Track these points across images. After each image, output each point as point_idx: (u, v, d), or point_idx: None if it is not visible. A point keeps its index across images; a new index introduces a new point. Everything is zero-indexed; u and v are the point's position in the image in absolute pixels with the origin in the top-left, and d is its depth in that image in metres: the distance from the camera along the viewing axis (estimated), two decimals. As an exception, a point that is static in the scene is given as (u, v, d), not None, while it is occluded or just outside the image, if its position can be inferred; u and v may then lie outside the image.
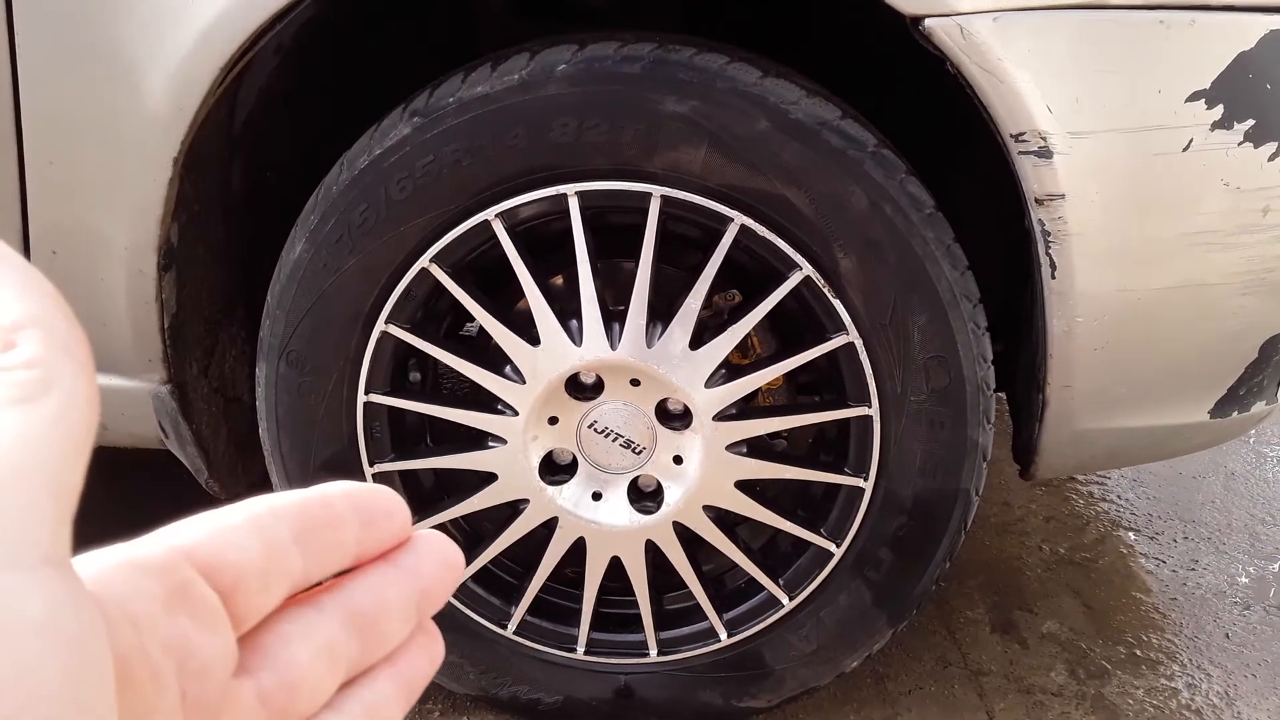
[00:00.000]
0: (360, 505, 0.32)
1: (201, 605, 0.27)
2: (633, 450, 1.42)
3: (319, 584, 0.32)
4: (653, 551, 1.47)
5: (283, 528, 0.29)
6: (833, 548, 1.44)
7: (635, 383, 1.38)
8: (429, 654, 0.35)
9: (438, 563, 0.34)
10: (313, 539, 0.30)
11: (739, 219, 1.28)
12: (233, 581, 0.28)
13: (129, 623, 0.24)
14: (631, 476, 1.44)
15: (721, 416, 1.37)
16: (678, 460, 1.42)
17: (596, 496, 1.45)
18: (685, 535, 1.46)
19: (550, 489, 1.44)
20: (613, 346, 1.34)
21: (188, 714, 0.26)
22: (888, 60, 1.51)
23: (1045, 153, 1.18)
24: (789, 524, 1.44)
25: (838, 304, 1.31)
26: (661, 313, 1.35)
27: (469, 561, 1.50)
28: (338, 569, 0.32)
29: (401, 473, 1.48)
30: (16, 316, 0.24)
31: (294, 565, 0.30)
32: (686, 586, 1.49)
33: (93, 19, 1.27)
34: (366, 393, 1.40)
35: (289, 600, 0.31)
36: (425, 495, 1.54)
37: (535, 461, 1.42)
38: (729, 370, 1.38)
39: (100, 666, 0.22)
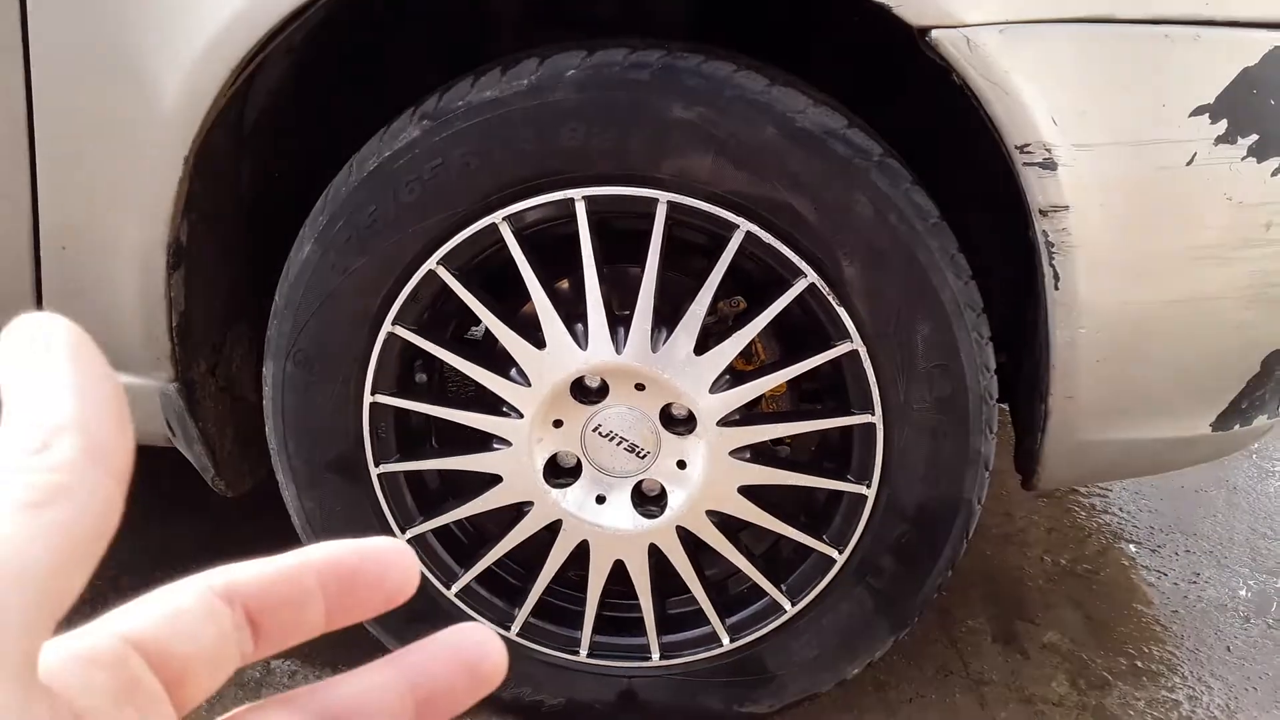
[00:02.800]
0: (343, 572, 0.31)
1: (148, 698, 0.27)
2: (637, 454, 1.42)
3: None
4: (656, 555, 1.47)
5: (234, 611, 0.29)
6: (835, 554, 1.45)
7: (640, 387, 1.38)
8: None
9: (454, 664, 0.33)
10: (270, 617, 0.30)
11: (745, 226, 1.29)
12: (179, 671, 0.28)
13: (75, 718, 0.25)
14: (635, 480, 1.45)
15: (725, 422, 1.38)
16: (681, 465, 1.42)
17: (600, 500, 1.45)
18: (688, 540, 1.46)
19: (554, 492, 1.44)
20: (618, 351, 1.34)
21: None
22: (894, 70, 1.51)
23: (1050, 164, 1.19)
24: (792, 530, 1.45)
25: (842, 312, 1.31)
26: (667, 318, 1.36)
27: (473, 563, 1.51)
28: (297, 643, 0.31)
29: (406, 473, 1.49)
30: (61, 418, 0.24)
31: (243, 650, 0.30)
32: (689, 591, 1.50)
33: (106, 18, 1.28)
34: (373, 393, 1.41)
35: (270, 705, 0.31)
36: (430, 496, 1.55)
37: (540, 464, 1.43)
38: (733, 376, 1.38)
39: None
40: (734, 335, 1.34)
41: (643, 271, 1.32)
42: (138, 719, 0.27)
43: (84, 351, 0.26)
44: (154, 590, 0.29)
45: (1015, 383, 1.56)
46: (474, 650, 0.33)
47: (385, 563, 0.32)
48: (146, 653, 0.28)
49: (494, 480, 1.46)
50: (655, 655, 1.53)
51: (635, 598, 1.50)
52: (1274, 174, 1.20)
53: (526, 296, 1.35)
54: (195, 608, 0.29)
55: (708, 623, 1.51)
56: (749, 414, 1.43)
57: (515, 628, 1.53)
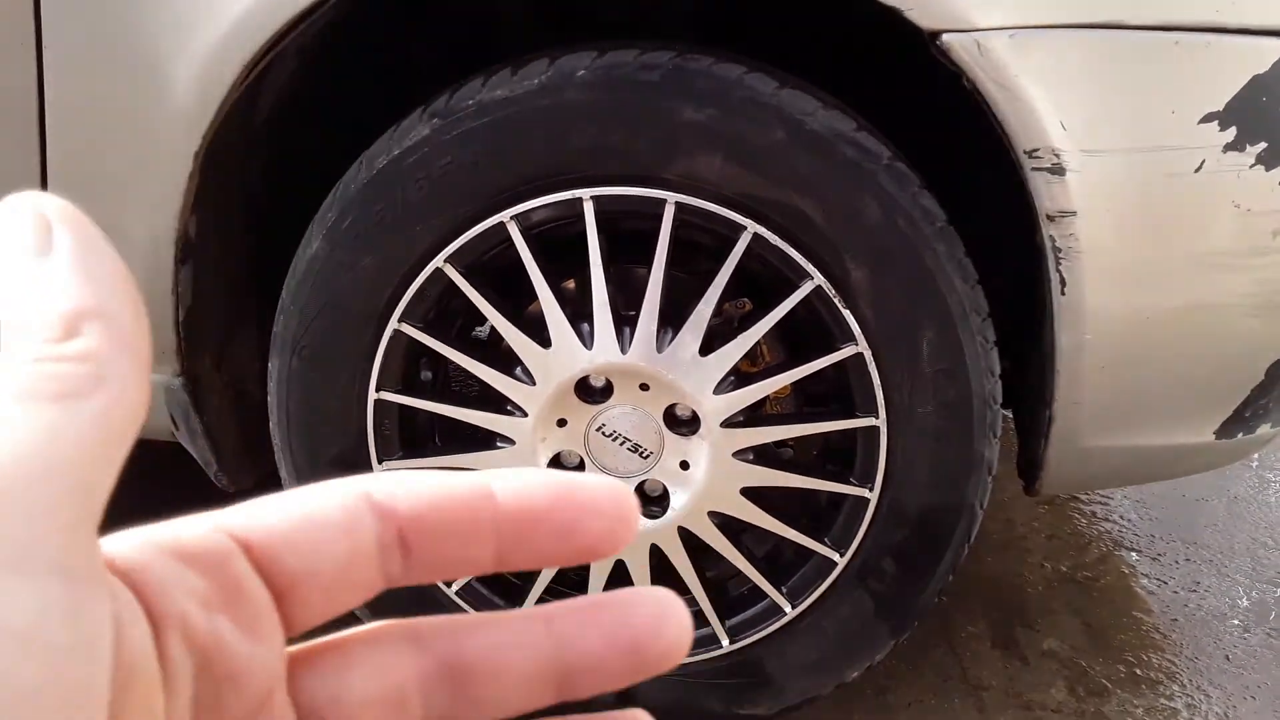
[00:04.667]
0: (526, 514, 0.27)
1: (248, 607, 0.25)
2: (640, 455, 1.42)
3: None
4: (657, 556, 1.47)
5: (384, 529, 0.26)
6: (836, 557, 1.45)
7: (644, 387, 1.38)
8: None
9: (618, 641, 0.27)
10: (428, 544, 0.27)
11: (752, 227, 1.29)
12: (289, 584, 0.25)
13: (148, 622, 0.23)
14: (638, 480, 1.45)
15: (729, 423, 1.38)
16: (684, 466, 1.43)
17: (603, 500, 1.45)
18: (690, 541, 1.46)
19: (557, 491, 1.44)
20: (623, 351, 1.35)
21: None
22: (903, 74, 1.51)
23: (1058, 169, 1.19)
24: (793, 532, 1.45)
25: (848, 314, 1.32)
26: (672, 319, 1.36)
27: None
28: (458, 578, 0.27)
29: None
30: (84, 304, 0.23)
31: (388, 572, 0.26)
32: (689, 592, 1.50)
33: (119, 14, 1.28)
34: (378, 390, 1.41)
35: (392, 634, 0.28)
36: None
37: (543, 463, 1.43)
38: (738, 378, 1.39)
39: (90, 677, 0.21)
40: (739, 337, 1.34)
41: (649, 272, 1.32)
42: (231, 631, 0.24)
43: (89, 233, 0.24)
44: (295, 490, 0.26)
45: (1019, 389, 1.56)
46: (643, 626, 0.27)
47: (584, 509, 0.27)
48: (256, 557, 0.25)
49: (497, 479, 1.45)
50: (656, 656, 1.53)
51: (636, 598, 1.50)
52: (1282, 182, 1.21)
53: (533, 295, 1.35)
54: (334, 518, 0.26)
55: (708, 624, 1.51)
56: (753, 415, 1.43)
57: (516, 627, 1.53)
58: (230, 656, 0.24)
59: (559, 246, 1.40)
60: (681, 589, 1.50)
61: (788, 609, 1.48)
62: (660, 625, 0.27)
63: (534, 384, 1.38)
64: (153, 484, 2.19)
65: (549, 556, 0.27)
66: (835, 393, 1.46)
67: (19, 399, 0.22)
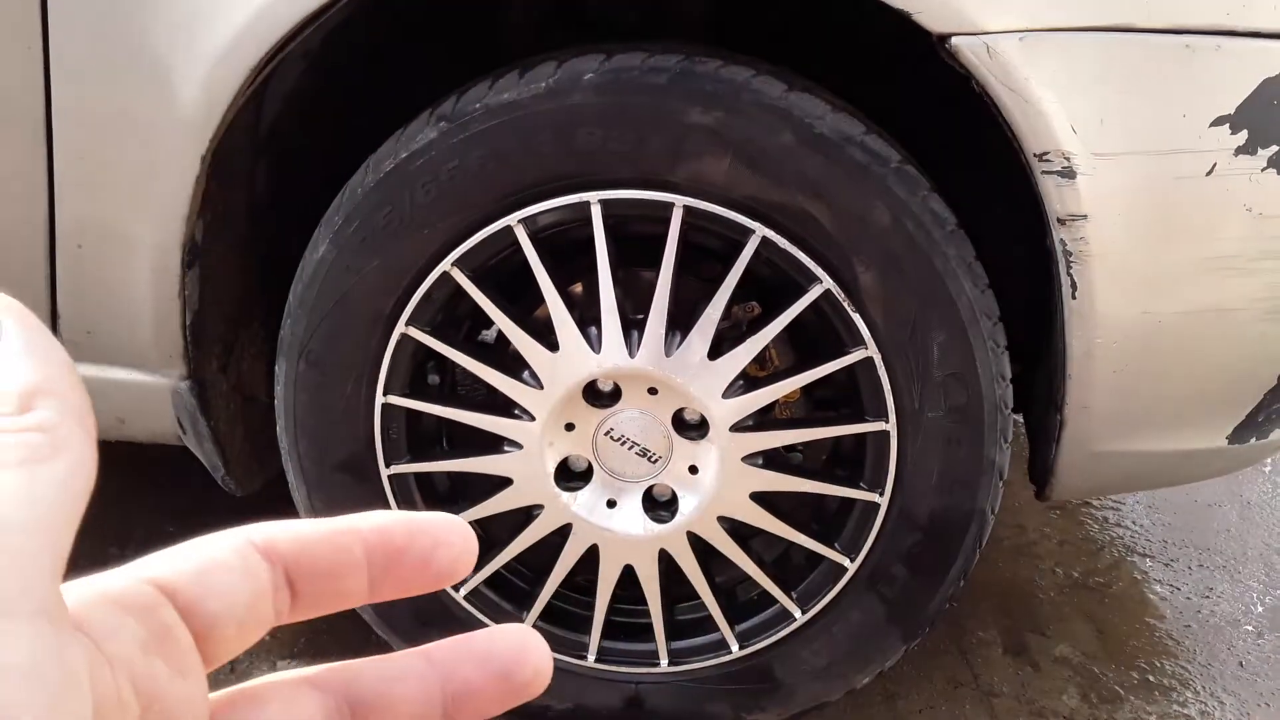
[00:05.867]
0: (391, 546, 0.30)
1: (176, 649, 0.27)
2: (648, 459, 1.42)
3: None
4: (665, 561, 1.47)
5: (274, 570, 0.29)
6: (847, 562, 1.44)
7: (653, 391, 1.38)
8: None
9: (487, 668, 0.31)
10: (309, 582, 0.30)
11: (760, 231, 1.28)
12: (208, 626, 0.28)
13: (106, 664, 0.25)
14: (646, 485, 1.44)
15: (738, 428, 1.37)
16: (693, 470, 1.42)
17: (611, 504, 1.45)
18: (699, 546, 1.46)
19: (565, 495, 1.44)
20: (631, 355, 1.34)
21: None
22: (912, 77, 1.51)
23: (1069, 173, 1.18)
24: (803, 537, 1.44)
25: (857, 318, 1.31)
26: (681, 322, 1.35)
27: (482, 566, 1.50)
28: (336, 610, 0.31)
29: (416, 475, 1.49)
30: (36, 382, 0.25)
31: (278, 610, 0.29)
32: (699, 597, 1.49)
33: (126, 18, 1.28)
34: (385, 394, 1.41)
35: (295, 681, 0.31)
36: (440, 498, 1.54)
37: (551, 467, 1.43)
38: (747, 382, 1.38)
39: (81, 711, 0.23)
40: (748, 340, 1.34)
41: (657, 275, 1.31)
42: (165, 672, 0.26)
43: (33, 321, 0.26)
44: (187, 541, 0.29)
45: (1030, 394, 1.56)
46: (509, 655, 0.31)
47: (436, 540, 0.31)
48: (181, 603, 0.27)
49: (505, 483, 1.45)
50: (663, 661, 1.52)
51: (644, 603, 1.50)
52: (1294, 185, 1.20)
53: (540, 299, 1.35)
54: (232, 562, 0.28)
55: (717, 629, 1.51)
56: (762, 419, 1.42)
57: (524, 632, 1.52)
58: (165, 695, 0.26)
59: (566, 250, 1.39)
60: (690, 594, 1.50)
61: (798, 614, 1.48)
62: (522, 654, 0.31)
63: (541, 388, 1.38)
64: (162, 487, 2.20)
65: (410, 584, 0.31)
66: (845, 397, 1.46)
67: None
